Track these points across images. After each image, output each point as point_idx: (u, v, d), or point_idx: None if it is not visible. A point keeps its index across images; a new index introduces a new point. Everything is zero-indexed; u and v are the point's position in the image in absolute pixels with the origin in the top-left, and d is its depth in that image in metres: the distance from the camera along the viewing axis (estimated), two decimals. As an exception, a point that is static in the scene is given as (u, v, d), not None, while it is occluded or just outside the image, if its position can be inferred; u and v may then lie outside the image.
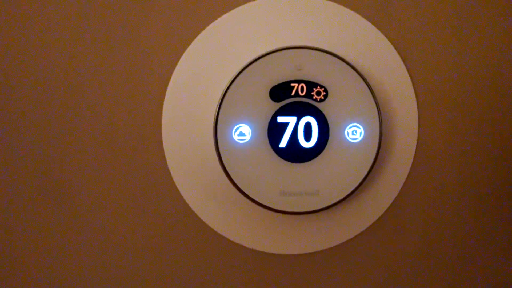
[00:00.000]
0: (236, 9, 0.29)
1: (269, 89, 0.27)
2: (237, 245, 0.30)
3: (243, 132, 0.28)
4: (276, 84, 0.27)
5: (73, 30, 0.29)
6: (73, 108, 0.29)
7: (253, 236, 0.30)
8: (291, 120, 0.28)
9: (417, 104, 0.30)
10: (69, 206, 0.30)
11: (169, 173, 0.30)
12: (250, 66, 0.27)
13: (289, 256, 0.31)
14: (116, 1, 0.29)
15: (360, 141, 0.28)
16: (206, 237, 0.30)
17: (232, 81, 0.27)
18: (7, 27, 0.29)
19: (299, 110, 0.28)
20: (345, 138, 0.28)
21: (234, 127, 0.27)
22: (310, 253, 0.31)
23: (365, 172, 0.28)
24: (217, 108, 0.27)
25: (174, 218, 0.30)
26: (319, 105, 0.28)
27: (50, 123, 0.29)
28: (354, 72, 0.27)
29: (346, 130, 0.28)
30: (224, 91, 0.27)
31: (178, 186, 0.30)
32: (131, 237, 0.30)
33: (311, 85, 0.27)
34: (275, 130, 0.28)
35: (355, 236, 0.31)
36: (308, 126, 0.28)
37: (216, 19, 0.29)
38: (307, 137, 0.28)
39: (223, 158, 0.28)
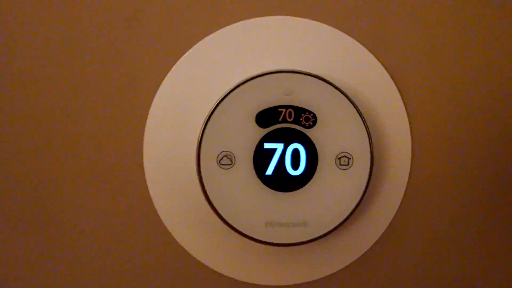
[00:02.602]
0: (223, 29, 0.28)
1: (255, 114, 0.26)
2: (221, 276, 0.29)
3: (227, 159, 0.26)
4: (263, 109, 0.26)
5: (52, 50, 0.28)
6: (53, 132, 0.28)
7: (238, 267, 0.29)
8: (278, 146, 0.26)
9: (411, 131, 0.29)
10: (47, 230, 0.29)
11: (151, 201, 0.28)
12: (236, 90, 0.26)
13: (277, 287, 0.29)
14: (98, 22, 0.28)
15: (350, 169, 0.27)
16: (189, 267, 0.29)
17: (217, 105, 0.26)
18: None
19: (286, 137, 0.26)
20: (335, 166, 0.27)
21: (218, 153, 0.26)
22: (297, 284, 0.29)
23: (356, 202, 0.27)
24: (200, 133, 0.26)
25: (156, 248, 0.29)
26: (308, 132, 0.26)
27: (33, 148, 0.28)
28: (345, 98, 0.26)
29: (336, 157, 0.27)
30: (208, 115, 0.26)
31: (160, 216, 0.28)
32: (111, 265, 0.29)
33: (299, 110, 0.26)
34: (261, 157, 0.26)
35: (345, 267, 0.29)
36: (296, 153, 0.27)
37: (201, 40, 0.28)
38: (295, 164, 0.27)
39: (206, 186, 0.26)
